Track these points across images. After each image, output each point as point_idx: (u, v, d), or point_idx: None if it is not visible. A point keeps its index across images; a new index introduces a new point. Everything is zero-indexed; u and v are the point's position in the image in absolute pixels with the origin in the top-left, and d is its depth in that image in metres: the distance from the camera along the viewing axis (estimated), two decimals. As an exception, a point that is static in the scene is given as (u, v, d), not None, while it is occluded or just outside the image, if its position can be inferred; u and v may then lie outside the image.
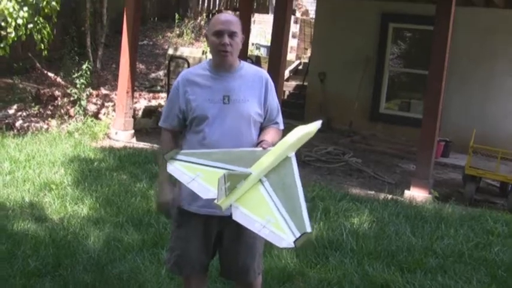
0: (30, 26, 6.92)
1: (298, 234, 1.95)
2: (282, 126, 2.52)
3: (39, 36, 7.14)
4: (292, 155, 2.26)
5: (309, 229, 1.96)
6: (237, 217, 2.09)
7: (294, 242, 1.94)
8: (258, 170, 2.16)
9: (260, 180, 2.16)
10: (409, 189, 5.74)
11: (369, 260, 3.71)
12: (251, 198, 2.12)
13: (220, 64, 2.37)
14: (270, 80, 2.47)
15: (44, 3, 6.92)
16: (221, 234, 2.41)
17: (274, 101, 2.48)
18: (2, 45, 6.94)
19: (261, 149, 2.29)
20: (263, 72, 2.51)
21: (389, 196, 5.47)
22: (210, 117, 2.33)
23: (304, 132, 2.30)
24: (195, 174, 2.23)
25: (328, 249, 3.85)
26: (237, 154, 2.27)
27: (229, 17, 2.39)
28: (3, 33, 6.88)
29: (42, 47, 7.25)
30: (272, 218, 2.02)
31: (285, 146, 2.24)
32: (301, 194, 2.10)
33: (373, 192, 5.75)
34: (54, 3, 7.02)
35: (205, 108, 2.33)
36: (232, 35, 2.32)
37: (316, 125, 2.35)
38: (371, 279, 3.43)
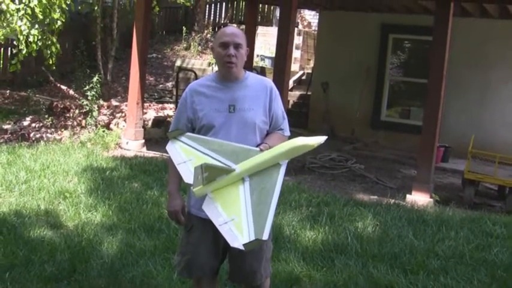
0: (39, 43, 7.16)
1: (252, 238, 2.06)
2: (287, 133, 2.58)
3: (48, 52, 7.38)
4: (284, 163, 2.31)
5: (265, 237, 2.07)
6: (205, 207, 2.21)
7: (244, 244, 2.05)
8: (242, 168, 2.25)
9: (242, 179, 2.24)
10: (410, 194, 5.82)
11: (373, 263, 3.78)
12: (227, 193, 2.21)
13: (226, 75, 2.45)
14: (274, 88, 2.55)
15: (49, 21, 7.16)
16: None
17: (279, 109, 2.55)
18: (13, 62, 7.19)
19: (258, 149, 2.37)
20: (268, 81, 2.58)
21: (392, 200, 5.54)
22: (216, 126, 2.41)
23: (302, 143, 2.33)
24: (188, 158, 2.33)
25: (334, 252, 3.92)
26: (234, 149, 2.35)
27: (234, 30, 2.48)
28: (14, 50, 7.14)
29: (51, 62, 7.49)
30: (237, 218, 2.12)
31: (277, 152, 2.31)
32: (274, 201, 2.17)
33: (376, 197, 5.82)
34: (60, 21, 7.26)
35: (212, 117, 2.42)
36: (237, 46, 2.40)
37: (317, 140, 2.35)
38: (375, 281, 3.50)
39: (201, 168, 2.16)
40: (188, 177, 2.28)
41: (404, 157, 8.11)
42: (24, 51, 6.92)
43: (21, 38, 6.81)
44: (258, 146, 2.42)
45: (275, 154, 2.31)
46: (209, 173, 2.18)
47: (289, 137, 2.58)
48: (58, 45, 7.51)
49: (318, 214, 4.76)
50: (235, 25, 13.15)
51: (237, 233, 2.09)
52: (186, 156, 2.36)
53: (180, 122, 2.52)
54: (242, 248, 2.06)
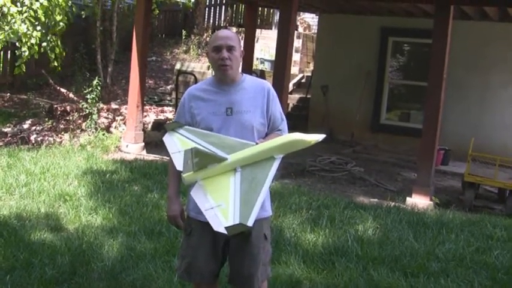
0: (44, 44, 7.18)
1: (236, 222, 2.05)
2: (285, 134, 2.58)
3: (52, 54, 7.39)
4: (279, 157, 2.31)
5: (249, 223, 2.06)
6: (193, 192, 2.20)
7: (227, 227, 2.04)
8: (234, 158, 2.25)
9: (234, 170, 2.24)
10: (410, 197, 5.84)
11: (374, 265, 3.79)
12: (217, 181, 2.22)
13: (222, 78, 2.47)
14: (272, 90, 2.55)
15: (53, 23, 7.20)
16: (228, 244, 2.48)
17: (277, 111, 2.55)
18: (17, 64, 7.21)
19: (254, 143, 2.38)
20: (265, 83, 2.59)
21: (392, 203, 5.57)
22: (214, 129, 2.42)
23: (298, 138, 2.32)
24: (184, 149, 2.32)
25: (334, 255, 3.94)
26: (230, 143, 2.36)
27: (226, 33, 2.49)
28: (17, 52, 7.16)
29: (56, 64, 7.51)
30: (224, 204, 2.12)
31: (272, 145, 2.31)
32: (263, 192, 2.17)
33: (376, 200, 5.84)
34: (62, 23, 7.29)
35: (210, 120, 2.44)
36: (230, 49, 2.41)
37: (315, 137, 2.34)
38: (376, 284, 3.52)
39: (191, 152, 2.17)
40: (181, 165, 2.29)
41: (404, 160, 8.14)
42: (26, 54, 6.93)
43: (24, 40, 6.82)
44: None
45: (270, 147, 2.31)
46: (199, 159, 2.18)
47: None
48: (60, 46, 7.52)
49: (318, 217, 4.78)
50: (234, 28, 13.18)
51: (222, 219, 2.08)
52: (181, 146, 2.36)
53: None
54: (225, 231, 2.05)
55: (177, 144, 2.39)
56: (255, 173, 2.23)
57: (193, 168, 2.18)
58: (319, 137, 2.36)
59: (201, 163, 2.18)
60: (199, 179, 2.21)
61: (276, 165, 2.27)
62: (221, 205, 2.12)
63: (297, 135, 2.33)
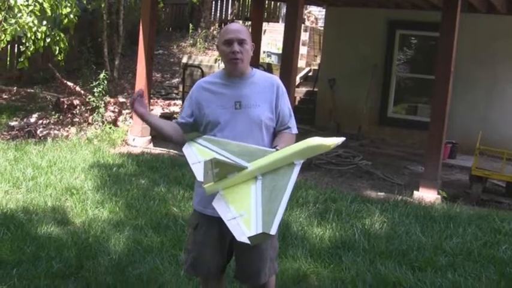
0: (48, 39, 7.19)
1: (259, 231, 2.02)
2: (294, 131, 2.57)
3: (56, 48, 7.41)
4: (299, 162, 2.28)
5: (273, 232, 2.03)
6: (215, 203, 2.19)
7: (250, 237, 2.03)
8: (254, 166, 2.23)
9: (255, 178, 2.22)
10: (418, 190, 5.82)
11: (381, 259, 3.78)
12: (238, 191, 2.20)
13: (232, 72, 2.46)
14: (281, 85, 2.54)
15: (63, 16, 7.21)
16: (235, 239, 2.43)
17: (285, 106, 2.53)
18: (21, 59, 7.23)
19: (274, 150, 2.36)
20: (275, 78, 2.58)
21: (399, 197, 5.54)
22: (222, 123, 2.42)
23: (318, 142, 2.30)
24: (203, 159, 2.31)
25: (341, 249, 3.93)
26: (249, 150, 2.34)
27: (237, 26, 2.49)
28: (22, 47, 7.18)
29: (60, 58, 7.52)
30: (246, 214, 2.10)
31: (291, 151, 2.29)
32: (285, 200, 2.14)
33: (383, 193, 5.82)
34: (72, 16, 7.29)
35: (218, 114, 2.43)
36: (241, 42, 2.40)
37: (334, 141, 2.32)
38: (383, 278, 3.49)
39: (210, 163, 2.15)
40: (201, 175, 2.27)
41: (411, 153, 8.11)
42: (31, 48, 6.94)
43: (29, 34, 6.82)
44: (274, 147, 2.41)
45: (289, 153, 2.29)
46: (220, 169, 2.16)
47: (297, 135, 2.57)
48: (65, 41, 7.53)
49: (325, 211, 4.78)
50: (240, 22, 13.12)
51: (245, 228, 2.07)
52: (201, 156, 2.35)
53: (181, 115, 2.56)
54: (248, 241, 2.04)
55: (196, 155, 2.38)
56: (275, 180, 2.21)
57: (214, 179, 2.17)
58: (338, 140, 2.33)
59: (221, 173, 2.17)
60: (220, 189, 2.20)
61: (296, 171, 2.25)
62: (243, 215, 2.10)
63: (316, 140, 2.31)
